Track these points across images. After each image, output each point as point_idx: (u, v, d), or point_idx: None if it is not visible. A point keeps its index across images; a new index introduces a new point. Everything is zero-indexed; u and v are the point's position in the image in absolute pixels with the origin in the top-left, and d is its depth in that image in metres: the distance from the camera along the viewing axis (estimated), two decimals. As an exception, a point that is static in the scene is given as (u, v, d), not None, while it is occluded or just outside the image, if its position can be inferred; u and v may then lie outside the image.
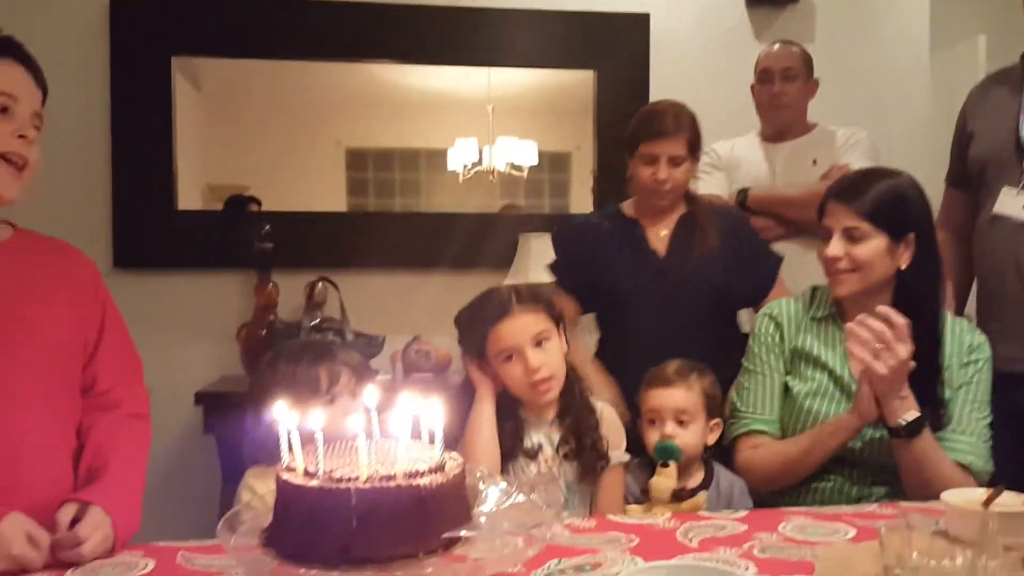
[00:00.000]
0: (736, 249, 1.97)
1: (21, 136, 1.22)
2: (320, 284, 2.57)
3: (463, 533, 0.93)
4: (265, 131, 2.72)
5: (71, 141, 2.45)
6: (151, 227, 2.53)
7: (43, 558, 1.08)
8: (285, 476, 0.94)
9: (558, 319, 1.51)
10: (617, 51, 2.77)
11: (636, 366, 1.64)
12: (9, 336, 1.20)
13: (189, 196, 2.62)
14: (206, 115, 2.68)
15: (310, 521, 0.90)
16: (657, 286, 1.93)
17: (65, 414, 1.27)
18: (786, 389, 1.62)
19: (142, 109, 2.53)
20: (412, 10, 2.67)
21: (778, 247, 2.13)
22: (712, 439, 1.55)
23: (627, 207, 2.08)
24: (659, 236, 2.00)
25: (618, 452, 1.51)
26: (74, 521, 1.12)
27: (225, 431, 2.27)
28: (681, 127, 1.93)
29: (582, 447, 1.47)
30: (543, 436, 1.47)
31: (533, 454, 1.45)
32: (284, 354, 1.48)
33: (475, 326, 1.49)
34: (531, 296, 1.50)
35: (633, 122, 2.01)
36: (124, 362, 1.36)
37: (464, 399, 1.47)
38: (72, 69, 2.46)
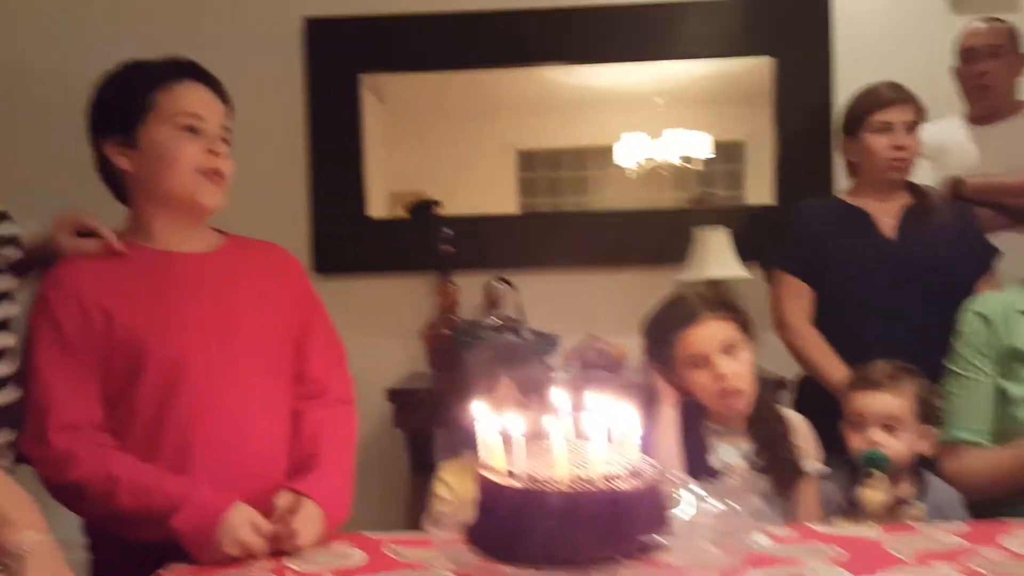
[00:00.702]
0: (962, 232, 1.94)
1: (212, 151, 1.32)
2: (497, 284, 2.63)
3: (660, 539, 0.93)
4: (442, 138, 2.82)
5: (273, 157, 2.65)
6: (345, 234, 2.69)
7: (266, 546, 1.17)
8: (487, 475, 0.97)
9: (747, 328, 1.47)
10: (795, 36, 2.65)
11: (860, 355, 1.58)
12: (231, 331, 1.31)
13: (375, 203, 2.76)
14: (389, 126, 2.81)
15: (512, 520, 0.93)
16: (887, 270, 1.91)
17: (281, 402, 1.36)
18: (1001, 393, 1.49)
19: (334, 124, 2.69)
20: (580, 12, 2.67)
21: (997, 239, 2.02)
22: (925, 448, 1.44)
23: (845, 196, 2.06)
24: (885, 222, 1.97)
25: (812, 463, 1.46)
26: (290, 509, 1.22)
27: (414, 426, 2.38)
28: (909, 94, 1.95)
29: (775, 459, 1.42)
30: (731, 448, 1.44)
31: (719, 473, 1.42)
32: (475, 356, 1.53)
33: (662, 332, 1.47)
34: (720, 303, 1.48)
35: (851, 102, 2.01)
36: (330, 350, 1.45)
37: (642, 408, 1.46)
38: (272, 88, 2.66)
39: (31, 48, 2.66)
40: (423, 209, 2.73)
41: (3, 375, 1.11)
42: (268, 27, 2.69)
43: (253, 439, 1.30)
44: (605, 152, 2.78)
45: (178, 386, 1.25)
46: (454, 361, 2.42)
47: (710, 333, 1.42)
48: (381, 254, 2.69)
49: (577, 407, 1.01)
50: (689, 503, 0.99)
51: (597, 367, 2.52)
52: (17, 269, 1.20)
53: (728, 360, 1.41)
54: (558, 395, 1.02)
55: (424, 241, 2.61)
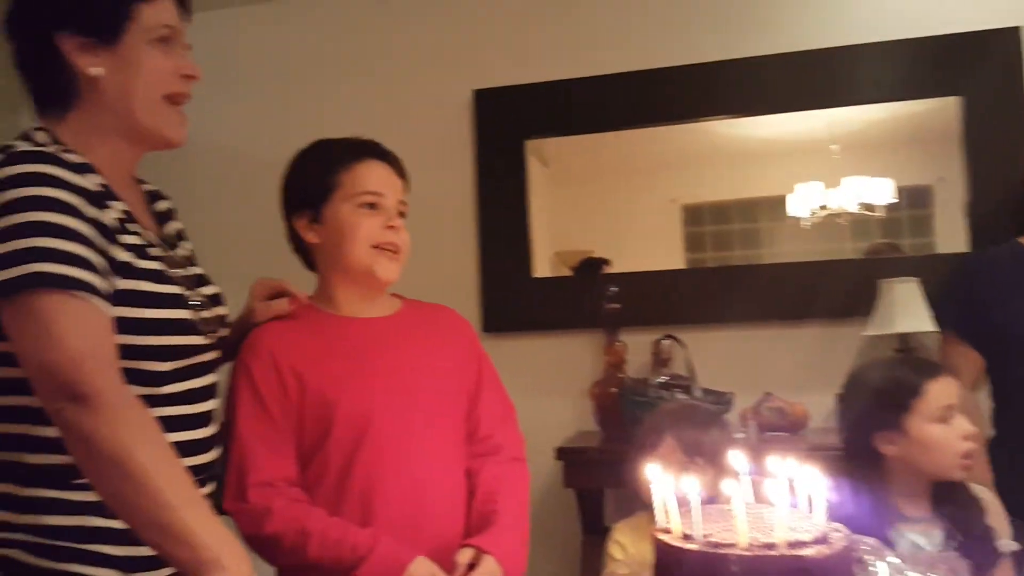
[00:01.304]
0: None
1: (389, 226, 1.40)
2: (665, 341, 2.59)
3: (854, 612, 0.86)
4: (604, 197, 2.84)
5: (444, 220, 2.77)
6: (512, 294, 2.75)
7: (444, 600, 1.20)
8: (662, 537, 0.94)
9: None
10: (984, 72, 2.47)
11: None
12: (411, 390, 1.37)
13: (541, 263, 2.81)
14: (552, 188, 2.87)
15: (690, 585, 0.90)
16: None
17: (457, 459, 1.40)
18: None
19: (501, 189, 2.78)
20: (747, 63, 2.63)
21: None
22: None
23: None
24: None
25: (1007, 542, 1.31)
26: (470, 565, 1.24)
27: (584, 485, 2.36)
28: None
29: (971, 539, 1.29)
30: (919, 534, 1.32)
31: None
32: (641, 415, 1.51)
33: (909, 377, 1.38)
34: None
35: None
36: (501, 408, 1.48)
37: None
38: (444, 158, 2.80)
39: (234, 133, 2.95)
40: (588, 267, 2.75)
41: (208, 436, 1.22)
42: (440, 102, 2.85)
43: (433, 495, 1.34)
44: (777, 203, 2.70)
45: (363, 443, 1.31)
46: (622, 420, 2.40)
47: (955, 387, 1.34)
48: (547, 313, 2.72)
49: (757, 469, 0.97)
50: (884, 573, 0.92)
51: (776, 428, 2.41)
52: (221, 347, 1.32)
53: (964, 421, 1.32)
54: (736, 457, 0.99)
55: (590, 299, 2.62)
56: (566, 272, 2.82)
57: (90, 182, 1.09)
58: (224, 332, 1.31)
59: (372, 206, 1.39)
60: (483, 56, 2.84)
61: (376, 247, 1.38)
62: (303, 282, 1.51)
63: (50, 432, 1.04)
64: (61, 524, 1.06)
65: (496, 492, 1.36)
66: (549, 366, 2.72)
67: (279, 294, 1.43)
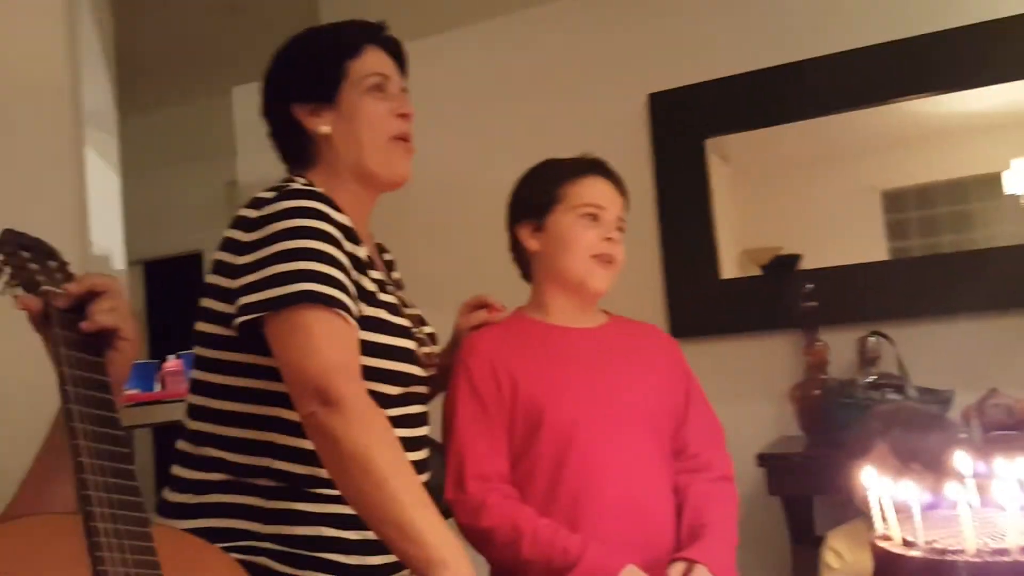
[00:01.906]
0: None
1: (608, 239, 1.44)
2: (872, 338, 2.44)
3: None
4: (792, 190, 2.73)
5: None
6: (700, 297, 2.70)
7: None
8: (882, 544, 0.90)
9: None
10: None
11: None
12: (618, 401, 1.41)
13: (728, 263, 2.74)
14: (735, 185, 2.80)
15: (915, 594, 0.85)
16: None
17: (664, 473, 1.42)
18: None
19: (682, 190, 2.75)
20: (947, 34, 2.44)
21: None
22: None
23: None
24: None
25: None
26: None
27: (790, 492, 2.27)
28: None
29: None
30: None
31: None
32: (867, 420, 1.45)
33: None
34: None
35: None
36: (710, 427, 1.49)
37: None
38: (621, 161, 2.77)
39: (463, 167, 3.03)
40: (780, 265, 2.64)
41: (421, 459, 1.30)
42: (615, 109, 2.86)
43: (642, 509, 1.37)
44: (991, 181, 2.47)
45: (571, 449, 1.36)
46: (827, 423, 2.28)
47: None
48: (738, 314, 2.65)
49: (984, 472, 0.90)
50: None
51: (1002, 426, 2.20)
52: (433, 380, 1.41)
53: None
54: (961, 459, 0.92)
55: (784, 298, 2.52)
56: (756, 271, 2.73)
57: (346, 219, 1.23)
58: (434, 371, 1.41)
59: (593, 218, 1.45)
60: (656, 59, 2.82)
61: (593, 257, 1.44)
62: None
63: (303, 443, 1.16)
64: (300, 534, 1.17)
65: (706, 507, 1.36)
66: (743, 369, 2.64)
67: (481, 306, 1.52)
